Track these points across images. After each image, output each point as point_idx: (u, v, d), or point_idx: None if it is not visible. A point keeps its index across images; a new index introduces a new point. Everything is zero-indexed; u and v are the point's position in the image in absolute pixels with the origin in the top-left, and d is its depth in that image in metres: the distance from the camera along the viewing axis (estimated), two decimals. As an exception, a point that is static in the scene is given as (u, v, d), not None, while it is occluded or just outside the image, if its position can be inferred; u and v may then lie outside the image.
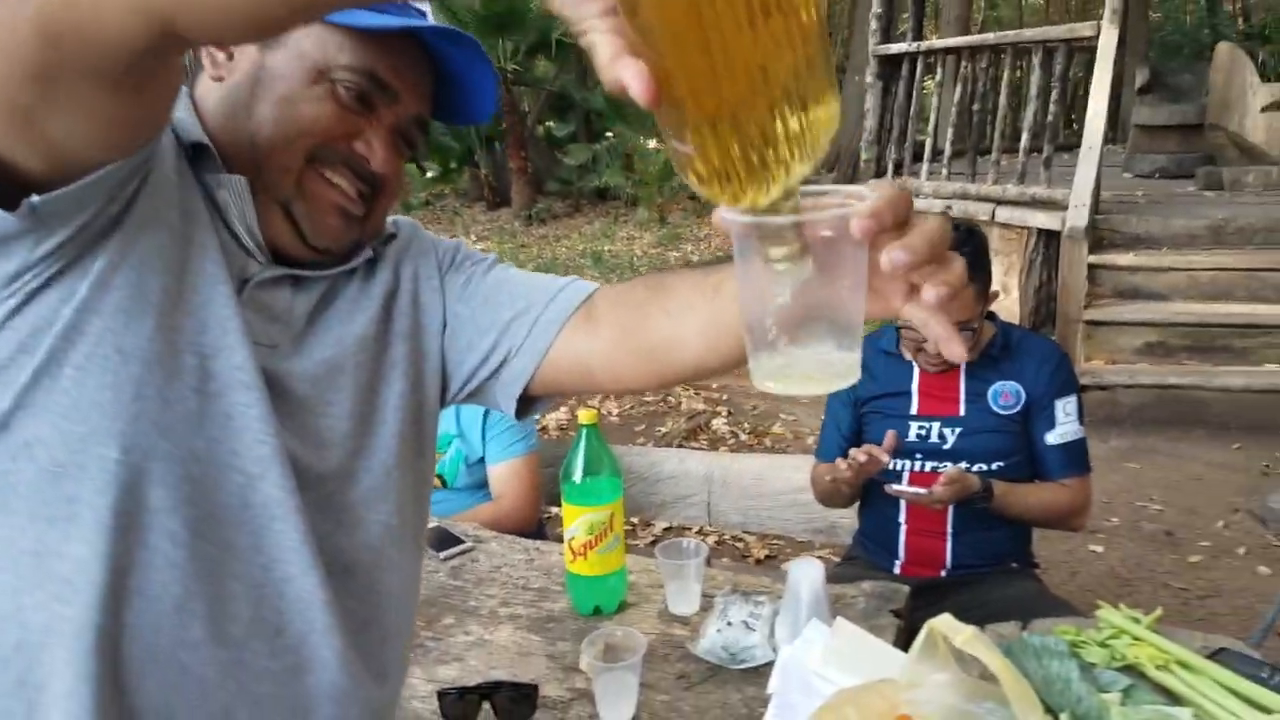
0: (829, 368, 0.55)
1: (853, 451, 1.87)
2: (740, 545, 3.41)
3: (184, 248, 0.77)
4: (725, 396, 5.24)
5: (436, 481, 2.21)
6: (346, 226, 0.87)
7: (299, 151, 0.83)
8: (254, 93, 0.83)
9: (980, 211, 5.59)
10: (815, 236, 0.52)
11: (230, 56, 0.85)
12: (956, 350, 0.57)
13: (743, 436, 4.63)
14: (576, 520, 1.53)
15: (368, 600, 0.88)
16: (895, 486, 1.88)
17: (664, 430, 4.74)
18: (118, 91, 0.60)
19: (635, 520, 3.33)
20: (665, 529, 3.39)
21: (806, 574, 1.37)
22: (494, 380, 0.95)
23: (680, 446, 4.44)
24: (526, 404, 0.96)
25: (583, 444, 1.55)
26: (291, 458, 0.80)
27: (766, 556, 3.32)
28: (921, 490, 1.84)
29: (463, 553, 1.79)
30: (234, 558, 0.78)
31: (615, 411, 5.11)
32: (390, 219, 1.00)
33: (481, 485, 2.24)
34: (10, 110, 0.59)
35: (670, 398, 5.26)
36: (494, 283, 0.97)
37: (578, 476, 1.54)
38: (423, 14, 0.89)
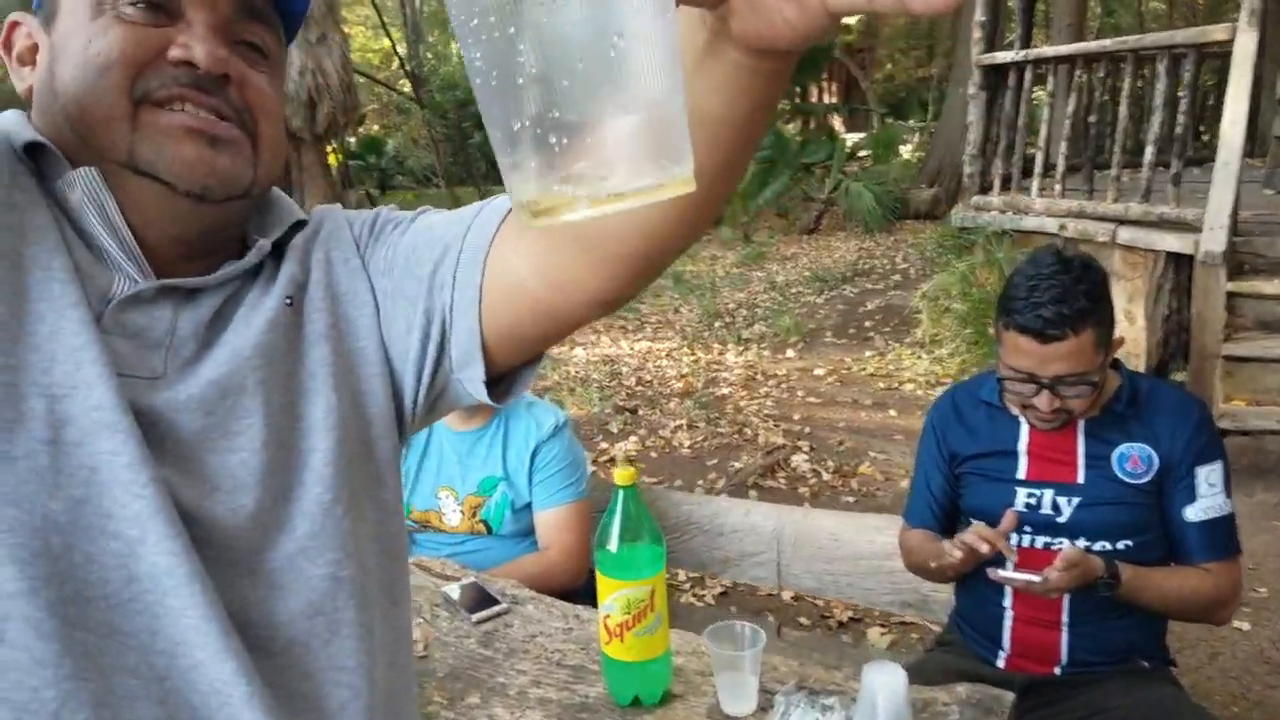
0: (639, 172, 0.37)
1: (968, 537, 1.57)
2: (820, 603, 3.09)
3: (19, 273, 0.66)
4: (807, 430, 4.94)
5: (481, 527, 2.05)
6: (215, 153, 0.71)
7: (113, 93, 0.69)
8: (53, 71, 0.72)
9: (1099, 232, 5.18)
10: None
11: (34, 66, 0.75)
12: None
13: (826, 476, 4.31)
14: (612, 596, 1.34)
15: (317, 678, 0.72)
16: (1001, 572, 1.58)
17: (738, 466, 4.46)
18: None
19: (695, 576, 3.07)
20: (723, 589, 3.12)
21: (885, 682, 1.17)
22: (446, 359, 0.77)
23: (756, 485, 4.17)
24: (501, 383, 0.78)
25: (619, 508, 1.35)
26: (186, 510, 0.66)
27: (850, 619, 2.99)
28: (1033, 577, 1.53)
29: (496, 615, 1.65)
30: (122, 647, 0.64)
31: (686, 444, 4.86)
32: (315, 210, 0.85)
33: (528, 532, 2.08)
34: None
35: (746, 430, 4.98)
36: (414, 237, 0.79)
37: (613, 545, 1.34)
38: None
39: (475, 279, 0.73)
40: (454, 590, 1.71)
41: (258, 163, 0.74)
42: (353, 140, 18.27)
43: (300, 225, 0.82)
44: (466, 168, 18.46)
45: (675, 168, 0.37)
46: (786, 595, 3.06)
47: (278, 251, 0.80)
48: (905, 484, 4.06)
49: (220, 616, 0.66)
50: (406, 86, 17.87)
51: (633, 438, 4.93)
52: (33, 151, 0.71)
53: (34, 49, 0.75)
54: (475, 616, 1.63)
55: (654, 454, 4.74)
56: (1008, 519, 1.58)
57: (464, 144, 16.80)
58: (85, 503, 0.64)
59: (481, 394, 0.76)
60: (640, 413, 5.40)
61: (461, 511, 2.05)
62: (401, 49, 17.92)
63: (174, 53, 0.69)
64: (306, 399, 0.75)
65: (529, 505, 2.05)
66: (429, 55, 20.71)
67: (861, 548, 2.07)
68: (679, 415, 5.26)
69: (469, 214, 0.77)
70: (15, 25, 0.76)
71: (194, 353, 0.72)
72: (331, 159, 16.02)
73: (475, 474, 2.05)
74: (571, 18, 0.35)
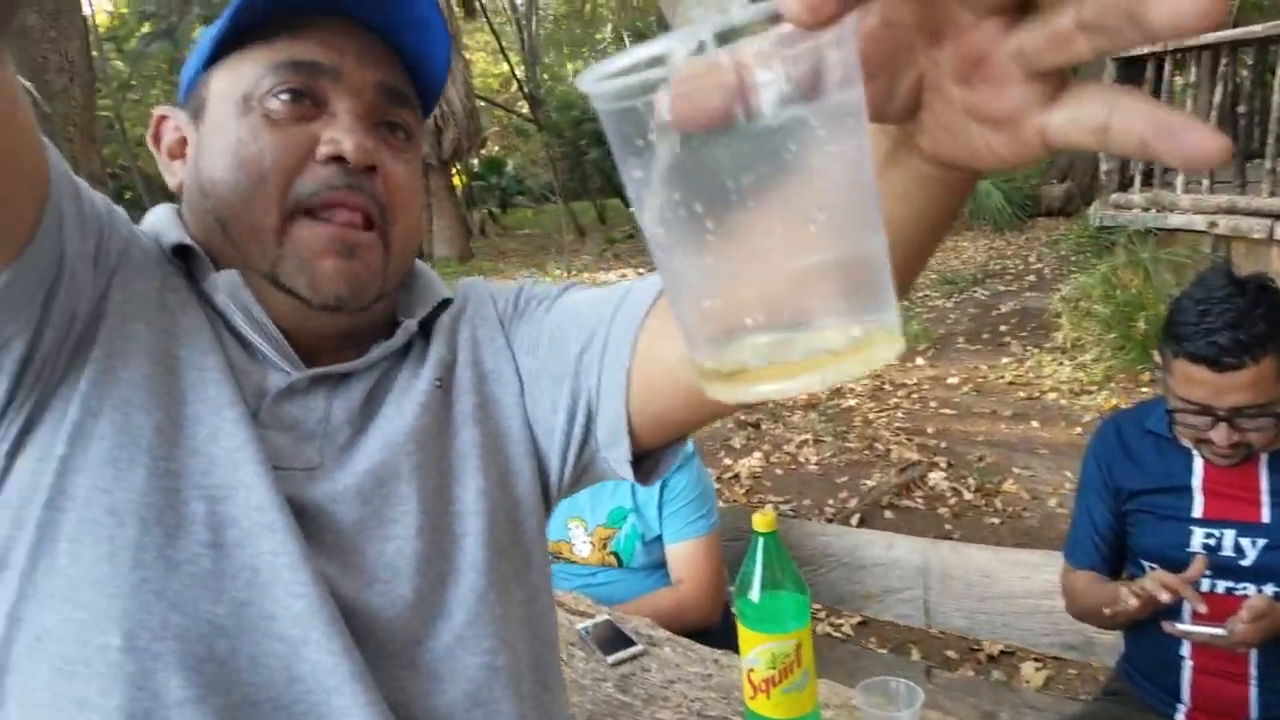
0: (841, 342, 0.32)
1: (1148, 584, 1.44)
2: (967, 637, 2.93)
3: (174, 376, 0.67)
4: (944, 444, 4.73)
5: (612, 560, 2.02)
6: (351, 264, 0.70)
7: (266, 205, 0.69)
8: (199, 167, 0.72)
9: (1255, 228, 4.81)
10: (735, 84, 0.31)
11: (184, 161, 0.75)
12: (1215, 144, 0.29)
13: (966, 495, 4.09)
14: (756, 649, 1.28)
15: None
16: (1180, 626, 1.44)
17: (870, 484, 4.29)
18: None
19: (835, 609, 2.96)
20: (862, 619, 3.00)
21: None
22: (591, 440, 0.76)
23: (891, 505, 4.01)
24: (646, 461, 0.75)
25: (759, 556, 1.29)
26: (346, 602, 0.66)
27: (1001, 652, 2.81)
28: (1217, 630, 1.39)
29: (633, 658, 1.60)
30: None
31: (814, 459, 4.72)
32: (457, 284, 0.85)
33: (660, 565, 2.05)
34: None
35: (877, 445, 4.80)
36: (560, 316, 0.78)
37: (754, 594, 1.28)
38: None
39: (623, 362, 0.70)
40: (588, 628, 1.69)
41: (388, 264, 0.74)
42: (475, 162, 18.80)
43: (446, 304, 0.82)
44: (582, 183, 18.74)
45: (880, 316, 0.33)
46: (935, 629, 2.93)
47: (424, 329, 0.80)
48: (1053, 503, 3.85)
49: (383, 713, 0.66)
50: (525, 108, 18.27)
51: (756, 454, 4.83)
52: (180, 252, 0.72)
53: (183, 143, 0.76)
54: (611, 658, 1.59)
55: (779, 471, 4.63)
56: (1196, 565, 1.44)
57: (580, 160, 17.04)
58: (249, 605, 0.64)
59: (627, 473, 0.74)
60: (763, 427, 5.29)
61: (591, 543, 2.04)
62: (520, 72, 18.34)
63: (323, 149, 0.69)
64: (458, 482, 0.75)
65: (659, 537, 2.01)
66: (545, 77, 21.15)
67: (1016, 585, 1.95)
68: (804, 429, 5.12)
69: (617, 294, 0.74)
70: (164, 119, 0.77)
71: (348, 439, 0.72)
72: (456, 181, 16.55)
73: (604, 505, 2.03)
74: (765, 186, 0.31)
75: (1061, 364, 5.68)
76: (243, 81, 0.70)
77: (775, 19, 0.30)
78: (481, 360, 0.80)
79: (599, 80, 0.32)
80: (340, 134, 0.69)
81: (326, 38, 0.70)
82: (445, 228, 14.69)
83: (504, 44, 18.15)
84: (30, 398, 0.62)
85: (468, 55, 16.04)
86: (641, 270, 11.22)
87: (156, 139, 0.77)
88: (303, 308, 0.71)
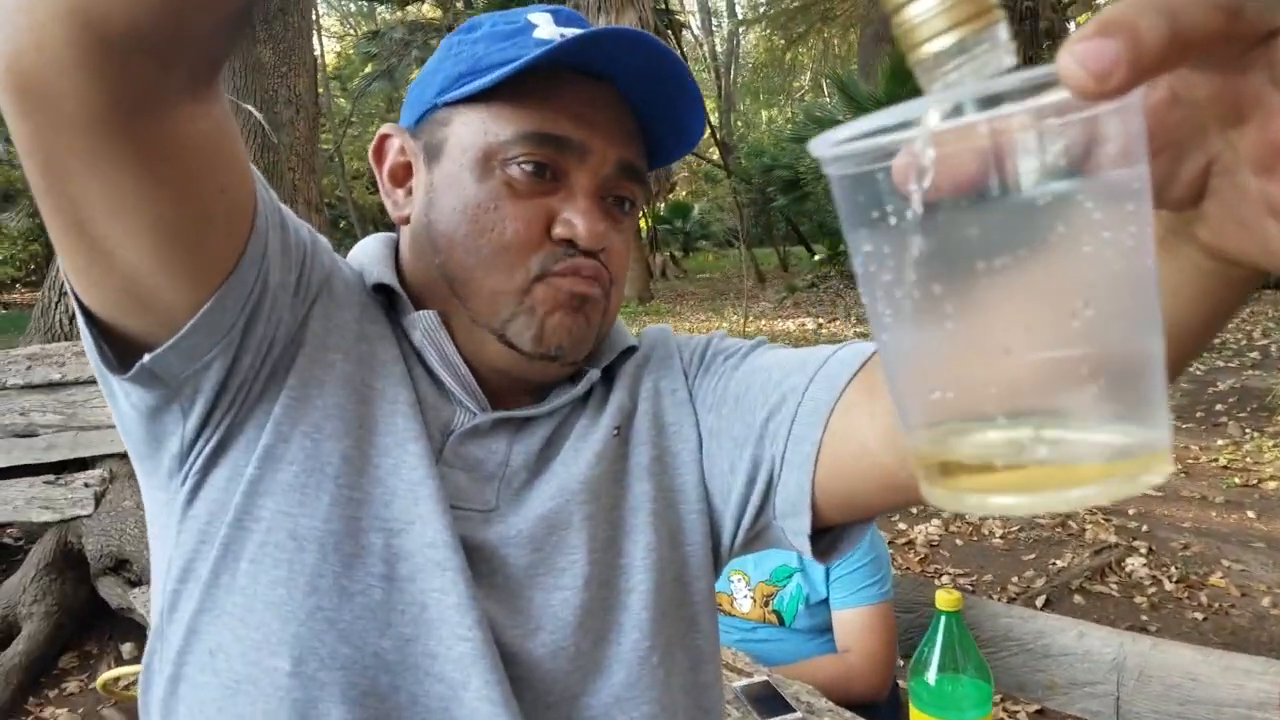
0: (1097, 453, 0.28)
1: None
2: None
3: (367, 405, 0.67)
4: (1145, 528, 4.34)
5: (773, 618, 1.96)
6: (577, 319, 0.71)
7: (509, 273, 0.69)
8: (430, 217, 0.72)
9: None
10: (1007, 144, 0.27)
11: (408, 191, 0.75)
12: None
13: (1168, 585, 3.72)
14: None
15: None
16: None
17: (1060, 565, 3.98)
18: (121, 152, 0.50)
19: (1012, 696, 2.76)
20: (1039, 708, 2.76)
21: None
22: (769, 508, 0.71)
23: (1082, 590, 3.70)
24: (826, 537, 0.70)
25: (940, 636, 1.22)
26: (508, 648, 0.65)
27: (1199, 761, 2.54)
28: None
29: None
30: None
31: (999, 532, 4.43)
32: (642, 331, 0.84)
33: (825, 629, 1.96)
34: (81, 241, 0.54)
35: (1072, 522, 4.46)
36: (747, 375, 0.74)
37: (931, 676, 1.21)
38: (579, 22, 0.72)
39: (814, 435, 0.66)
40: (744, 685, 1.63)
41: (604, 324, 0.74)
42: (661, 206, 19.20)
43: (630, 351, 0.81)
44: (767, 230, 18.72)
45: (1149, 432, 0.28)
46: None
47: (607, 375, 0.80)
48: (1266, 603, 3.46)
49: None
50: (715, 154, 18.53)
51: (935, 520, 4.59)
52: (381, 289, 0.74)
53: (407, 168, 0.76)
54: None
55: (959, 541, 4.38)
56: None
57: (765, 207, 17.05)
58: (413, 641, 0.63)
59: (804, 548, 0.69)
60: (944, 493, 5.04)
61: (753, 598, 1.98)
62: (714, 119, 18.62)
63: (559, 231, 0.69)
64: (628, 536, 0.72)
65: (825, 601, 1.93)
66: (739, 124, 21.37)
67: (1225, 693, 1.73)
68: (988, 499, 4.83)
69: (813, 361, 0.70)
70: (387, 137, 0.76)
71: (524, 483, 0.72)
72: (641, 224, 16.93)
73: (770, 561, 1.97)
74: (1022, 269, 0.28)
75: (1286, 450, 5.12)
76: (487, 139, 0.69)
77: (1047, 87, 0.27)
78: (662, 412, 0.78)
79: (838, 144, 0.29)
80: (576, 216, 0.69)
81: (579, 109, 0.69)
82: (649, 326, 14.99)
83: (701, 91, 18.46)
84: (225, 419, 0.64)
85: (663, 102, 16.40)
86: (821, 320, 11.04)
87: (379, 157, 0.77)
88: (518, 358, 0.71)
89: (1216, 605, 3.53)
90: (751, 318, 11.47)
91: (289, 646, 0.61)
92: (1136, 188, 0.28)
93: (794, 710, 1.55)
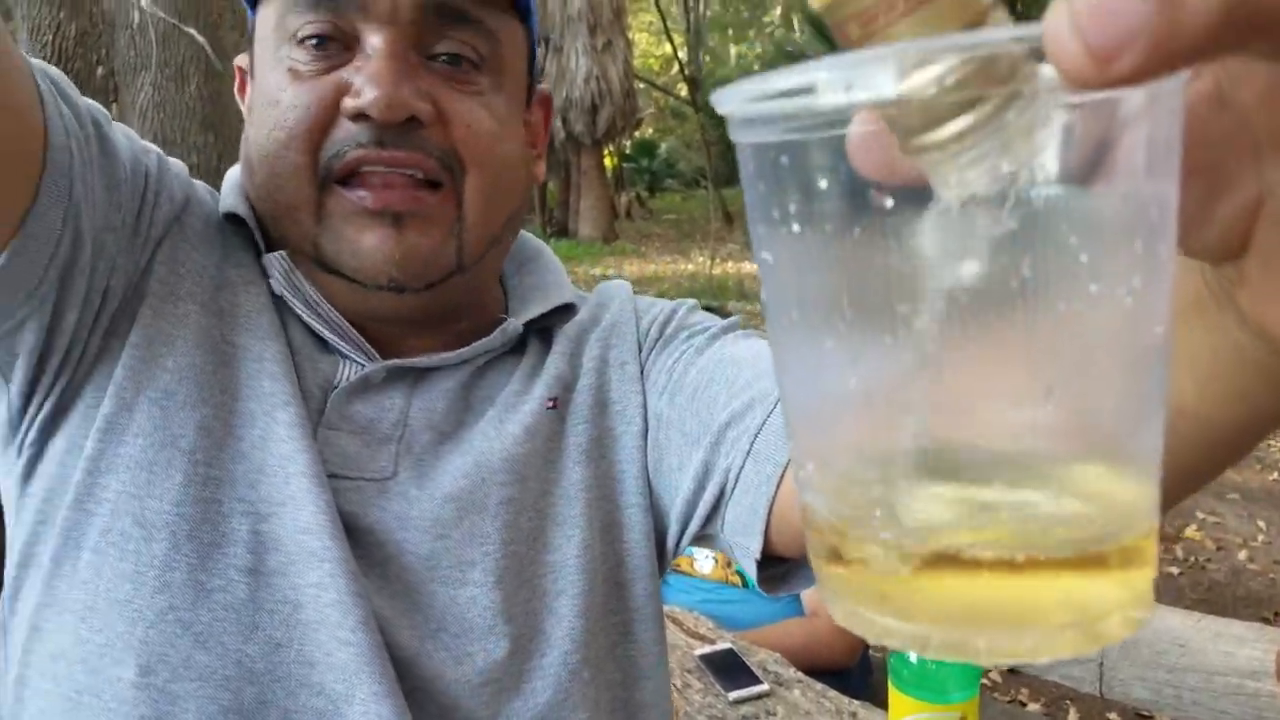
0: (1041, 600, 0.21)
1: None
2: (1145, 710, 2.61)
3: (230, 365, 0.59)
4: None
5: (736, 579, 1.91)
6: (400, 235, 0.58)
7: (295, 176, 0.58)
8: (248, 134, 0.62)
9: None
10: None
11: (246, 85, 0.65)
12: None
13: (1140, 536, 3.74)
14: (909, 718, 1.12)
15: None
16: None
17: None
18: None
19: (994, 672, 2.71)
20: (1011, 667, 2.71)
21: None
22: (718, 519, 0.62)
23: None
24: (779, 568, 0.61)
25: None
26: (402, 654, 0.56)
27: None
28: None
29: (757, 697, 1.47)
30: None
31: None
32: (598, 286, 0.74)
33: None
34: None
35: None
36: (712, 366, 0.64)
37: (914, 653, 1.10)
38: None
39: (779, 456, 0.56)
40: (706, 654, 1.56)
41: (463, 229, 0.60)
42: (628, 144, 18.97)
43: (568, 309, 0.69)
44: (735, 169, 18.59)
45: (1124, 564, 0.21)
46: (1114, 716, 2.63)
47: (544, 336, 0.68)
48: (1243, 556, 3.48)
49: None
50: (684, 90, 18.27)
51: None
52: (234, 220, 0.63)
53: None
54: (733, 695, 1.46)
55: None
56: None
57: (734, 145, 16.99)
58: (284, 647, 0.55)
59: (750, 569, 0.60)
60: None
61: (715, 559, 1.93)
62: (683, 54, 18.30)
63: (348, 103, 0.56)
64: (559, 529, 0.63)
65: (793, 560, 1.86)
66: (707, 59, 21.07)
67: (1216, 660, 1.69)
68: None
69: None
70: (241, 70, 0.67)
71: (428, 448, 0.62)
72: (608, 161, 16.70)
73: (735, 518, 1.89)
74: (979, 314, 0.20)
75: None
76: (275, 31, 0.59)
77: (1040, 55, 0.19)
78: (607, 387, 0.68)
79: (755, 100, 0.22)
80: (366, 84, 0.55)
81: None
82: (591, 208, 14.82)
83: (668, 24, 18.13)
84: (57, 384, 0.56)
85: (631, 35, 16.09)
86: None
87: (242, 92, 0.67)
88: (358, 290, 0.60)
89: (1193, 559, 3.54)
90: (719, 259, 11.35)
91: (135, 653, 0.53)
92: (1152, 219, 0.20)
93: (760, 682, 1.49)
